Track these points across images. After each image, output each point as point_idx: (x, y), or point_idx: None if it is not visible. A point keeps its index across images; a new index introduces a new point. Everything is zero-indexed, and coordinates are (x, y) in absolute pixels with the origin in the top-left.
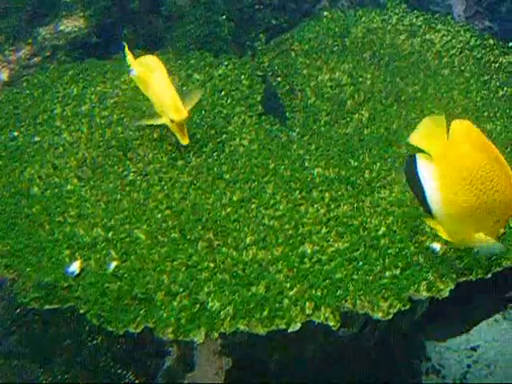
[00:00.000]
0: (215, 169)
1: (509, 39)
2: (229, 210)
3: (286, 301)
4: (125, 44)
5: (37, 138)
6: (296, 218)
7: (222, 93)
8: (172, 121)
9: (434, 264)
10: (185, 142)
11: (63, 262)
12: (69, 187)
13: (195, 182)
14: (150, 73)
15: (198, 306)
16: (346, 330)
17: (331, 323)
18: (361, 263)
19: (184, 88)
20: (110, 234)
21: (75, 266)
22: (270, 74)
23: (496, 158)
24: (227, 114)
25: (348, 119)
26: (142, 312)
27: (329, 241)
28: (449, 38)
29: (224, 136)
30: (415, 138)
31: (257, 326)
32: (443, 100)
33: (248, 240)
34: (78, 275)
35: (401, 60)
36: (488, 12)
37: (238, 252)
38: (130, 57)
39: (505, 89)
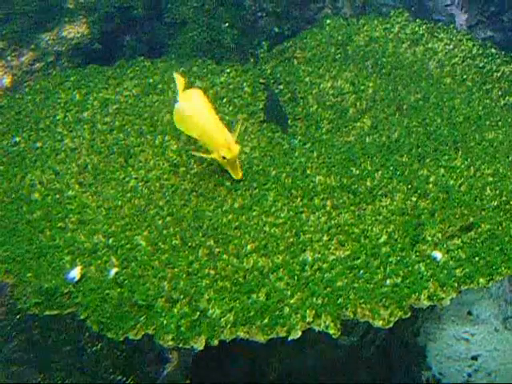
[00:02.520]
0: (216, 176)
1: (511, 48)
2: (230, 217)
3: (287, 308)
4: (176, 75)
5: (38, 144)
6: (297, 225)
7: (224, 100)
8: (224, 157)
9: (435, 273)
10: (238, 176)
11: (64, 267)
12: (70, 193)
13: (196, 188)
14: (196, 107)
15: (198, 313)
16: (346, 338)
17: (332, 331)
18: (362, 271)
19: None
20: (110, 241)
21: (76, 272)
22: (273, 81)
23: None
24: (229, 121)
25: (350, 127)
26: (142, 319)
27: (330, 249)
28: (451, 46)
29: None
30: None
31: (257, 333)
32: (445, 109)
33: (249, 247)
34: (79, 281)
35: (403, 68)
36: (490, 22)
37: (239, 259)
38: (180, 86)
39: (507, 98)
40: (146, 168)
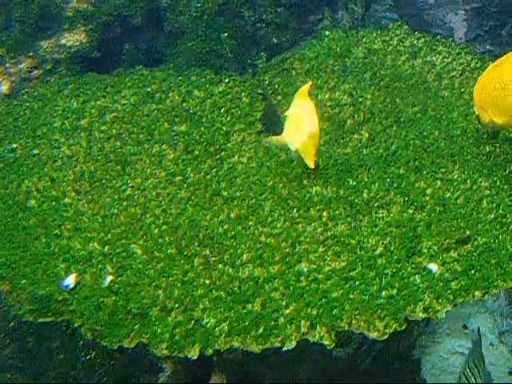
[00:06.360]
0: (213, 185)
1: None
2: (226, 226)
3: (282, 319)
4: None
5: (35, 151)
6: (293, 236)
7: (222, 110)
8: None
9: (431, 285)
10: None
11: (59, 275)
12: (66, 200)
13: (193, 198)
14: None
15: (192, 322)
16: (341, 350)
17: (326, 342)
18: (357, 283)
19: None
20: (106, 249)
21: (70, 280)
22: (271, 92)
23: None
24: (227, 131)
25: (347, 139)
26: (136, 327)
27: (325, 260)
28: (449, 59)
29: (223, 153)
30: None
31: (252, 343)
32: (443, 121)
33: (244, 257)
34: (73, 289)
35: (401, 81)
36: (489, 35)
37: (234, 269)
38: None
39: None
40: (143, 176)
